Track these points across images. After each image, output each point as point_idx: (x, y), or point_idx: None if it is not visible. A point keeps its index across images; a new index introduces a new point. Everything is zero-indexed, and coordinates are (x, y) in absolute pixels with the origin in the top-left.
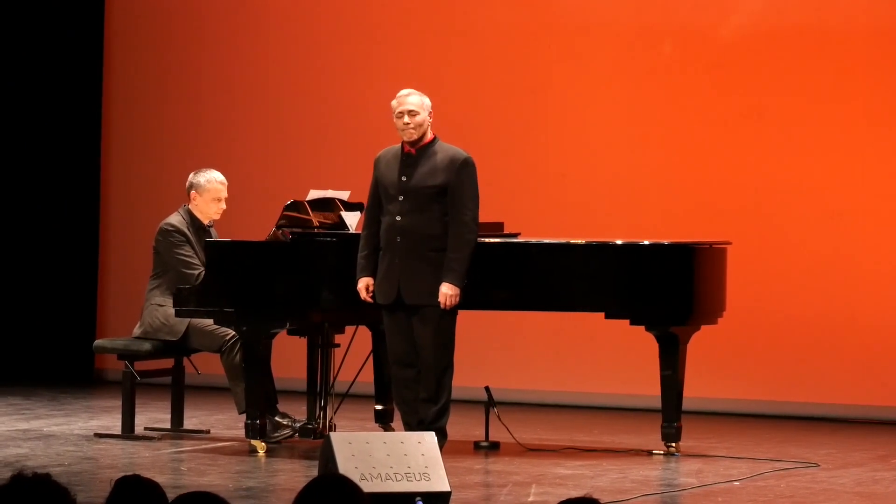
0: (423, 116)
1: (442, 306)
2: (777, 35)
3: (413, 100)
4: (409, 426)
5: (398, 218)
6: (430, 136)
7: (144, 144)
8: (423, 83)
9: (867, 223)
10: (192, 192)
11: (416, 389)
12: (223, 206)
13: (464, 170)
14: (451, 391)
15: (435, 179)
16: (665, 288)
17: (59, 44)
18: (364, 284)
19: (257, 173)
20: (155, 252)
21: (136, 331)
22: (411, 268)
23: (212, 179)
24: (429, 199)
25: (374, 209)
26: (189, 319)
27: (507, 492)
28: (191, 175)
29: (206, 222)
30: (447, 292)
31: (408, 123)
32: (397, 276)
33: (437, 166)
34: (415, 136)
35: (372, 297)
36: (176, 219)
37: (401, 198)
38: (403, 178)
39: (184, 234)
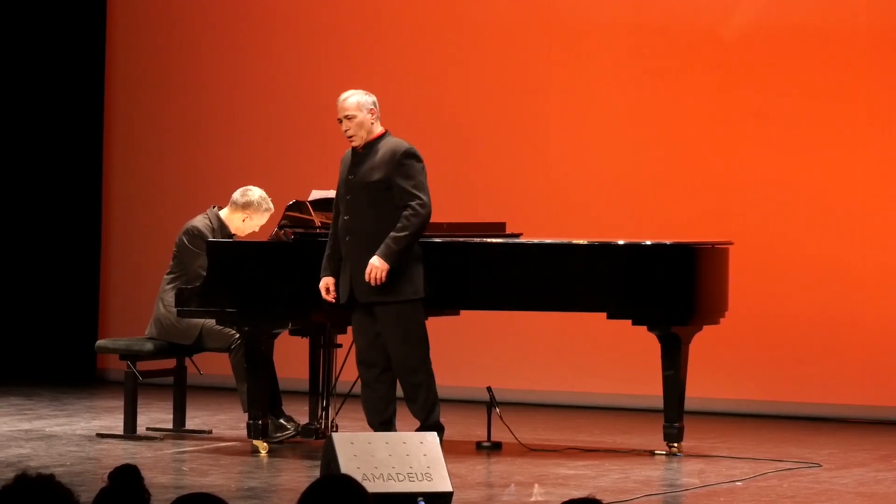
0: (362, 117)
1: (367, 279)
2: (778, 35)
3: (348, 103)
4: (373, 427)
5: (346, 217)
6: (377, 131)
7: (146, 145)
8: (423, 83)
9: (869, 223)
10: (249, 209)
11: (378, 390)
12: (256, 230)
13: (404, 162)
14: (430, 386)
15: (376, 175)
16: (667, 288)
17: (61, 44)
18: (323, 284)
19: (259, 173)
20: (176, 251)
21: (151, 330)
22: (360, 266)
23: (268, 211)
24: (374, 196)
25: (338, 208)
26: (202, 322)
27: (510, 492)
28: (251, 191)
29: (232, 231)
30: (375, 264)
31: (346, 129)
32: (349, 275)
33: (379, 161)
34: (357, 141)
35: (335, 298)
36: (202, 223)
37: (348, 196)
38: (350, 177)
39: (206, 242)
